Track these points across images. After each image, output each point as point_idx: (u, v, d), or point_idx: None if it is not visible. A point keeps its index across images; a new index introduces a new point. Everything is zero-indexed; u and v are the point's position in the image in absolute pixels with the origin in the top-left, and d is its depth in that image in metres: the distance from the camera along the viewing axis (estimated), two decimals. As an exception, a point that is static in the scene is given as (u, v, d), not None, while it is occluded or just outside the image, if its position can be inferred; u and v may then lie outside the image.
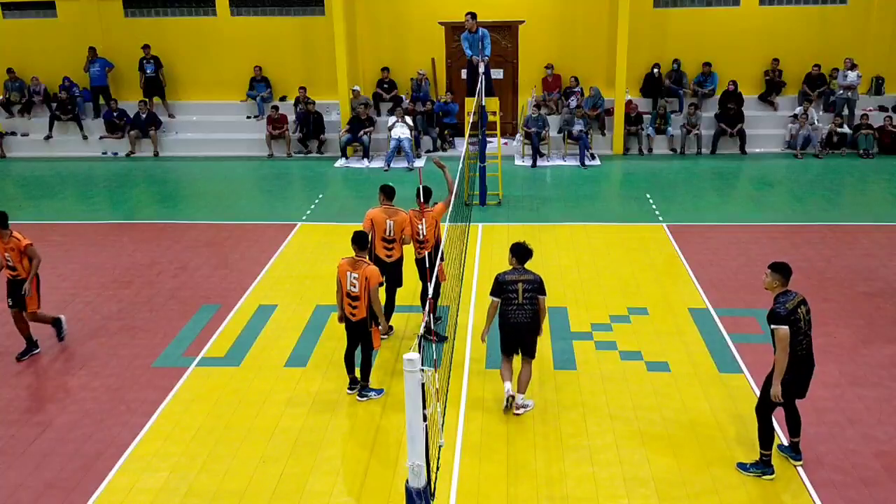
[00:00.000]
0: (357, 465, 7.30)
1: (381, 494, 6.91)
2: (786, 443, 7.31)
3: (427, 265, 7.50)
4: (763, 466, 7.02)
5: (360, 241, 8.15)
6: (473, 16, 14.32)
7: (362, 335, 8.24)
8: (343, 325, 8.38)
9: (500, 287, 7.72)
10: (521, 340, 7.88)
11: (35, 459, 7.49)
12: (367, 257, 8.31)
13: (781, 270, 6.57)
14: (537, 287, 7.72)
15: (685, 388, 8.45)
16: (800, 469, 7.11)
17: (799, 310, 6.39)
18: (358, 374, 8.45)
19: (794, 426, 7.07)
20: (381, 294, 8.61)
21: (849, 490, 6.85)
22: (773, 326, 6.58)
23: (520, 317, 7.71)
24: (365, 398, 8.36)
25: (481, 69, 14.10)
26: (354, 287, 8.01)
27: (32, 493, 7.04)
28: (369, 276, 7.95)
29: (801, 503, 6.73)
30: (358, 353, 8.44)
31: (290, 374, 8.91)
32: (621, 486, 6.95)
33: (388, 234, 9.30)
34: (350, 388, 8.49)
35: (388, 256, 9.36)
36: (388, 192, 9.49)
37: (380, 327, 8.22)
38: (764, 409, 6.93)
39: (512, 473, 7.15)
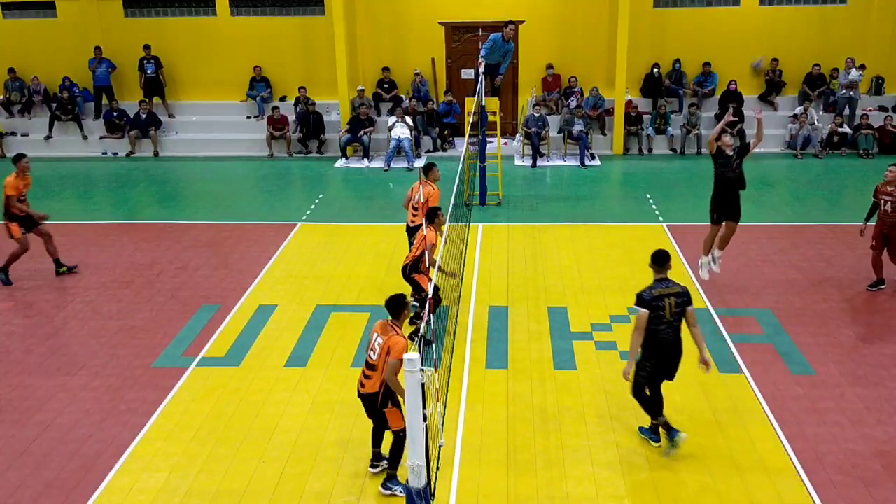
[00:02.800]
0: (357, 465, 7.29)
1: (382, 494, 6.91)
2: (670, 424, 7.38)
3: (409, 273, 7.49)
4: (650, 433, 7.52)
5: (394, 307, 6.77)
6: (515, 25, 14.41)
7: (374, 412, 6.84)
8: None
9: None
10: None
11: (35, 459, 7.49)
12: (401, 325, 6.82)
13: (654, 259, 7.20)
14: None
15: (685, 388, 8.44)
16: (800, 469, 7.11)
17: (666, 300, 6.76)
18: (385, 451, 7.05)
19: (656, 408, 7.39)
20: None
21: (849, 490, 6.85)
22: (631, 308, 7.60)
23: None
24: (388, 492, 6.86)
25: (481, 69, 14.10)
26: (374, 353, 6.70)
27: (32, 493, 7.04)
28: (392, 347, 6.45)
29: (801, 503, 6.74)
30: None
31: (290, 374, 8.91)
32: (621, 486, 6.96)
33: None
34: (371, 465, 7.17)
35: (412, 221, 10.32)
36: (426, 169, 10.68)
37: (400, 409, 6.75)
38: (635, 390, 7.38)
39: (512, 473, 7.15)
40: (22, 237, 11.36)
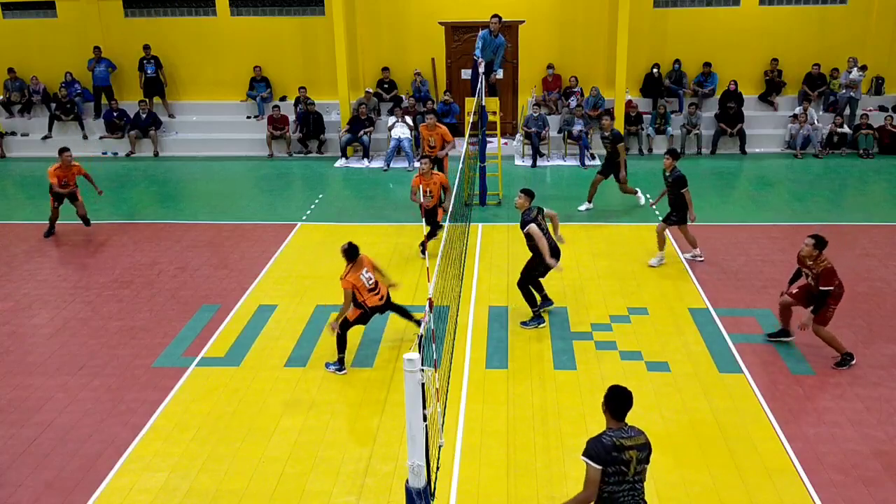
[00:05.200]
0: (357, 465, 7.30)
1: (381, 494, 6.91)
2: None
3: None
4: (536, 321, 9.85)
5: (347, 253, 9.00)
6: (500, 19, 14.32)
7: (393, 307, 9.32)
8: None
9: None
10: None
11: (35, 459, 7.49)
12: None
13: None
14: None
15: (685, 388, 8.45)
16: (800, 469, 7.11)
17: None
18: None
19: (532, 300, 9.84)
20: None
21: (849, 490, 6.85)
22: (526, 228, 9.66)
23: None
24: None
25: (481, 69, 14.09)
26: (371, 279, 8.91)
27: (32, 493, 7.04)
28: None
29: (800, 503, 6.73)
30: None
31: (290, 374, 8.91)
32: (621, 486, 6.95)
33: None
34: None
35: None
36: None
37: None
38: (523, 284, 9.87)
39: (512, 473, 7.15)
40: (55, 208, 13.44)
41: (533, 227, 9.61)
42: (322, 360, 9.18)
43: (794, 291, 9.14)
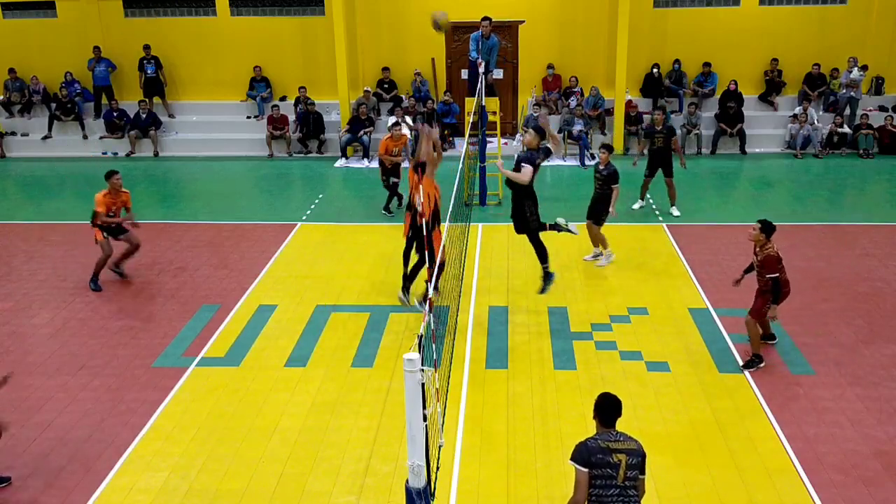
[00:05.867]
0: (357, 465, 7.30)
1: (381, 494, 6.91)
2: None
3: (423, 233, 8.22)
4: (546, 280, 10.10)
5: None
6: (490, 21, 14.31)
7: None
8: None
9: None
10: None
11: (35, 459, 7.49)
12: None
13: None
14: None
15: (685, 388, 8.45)
16: (800, 469, 7.12)
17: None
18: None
19: (543, 255, 10.00)
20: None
21: (849, 490, 6.85)
22: (512, 168, 9.57)
23: None
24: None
25: (481, 69, 14.10)
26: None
27: (32, 492, 7.04)
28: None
29: (801, 503, 6.74)
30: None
31: (290, 374, 8.92)
32: (621, 486, 6.95)
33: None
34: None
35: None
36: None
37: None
38: (534, 235, 9.92)
39: (512, 473, 7.15)
40: (104, 241, 11.17)
41: (526, 166, 9.47)
42: (322, 360, 9.19)
43: (757, 297, 8.79)
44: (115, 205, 11.14)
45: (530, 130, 9.75)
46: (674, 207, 14.01)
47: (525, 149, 9.82)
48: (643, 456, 5.21)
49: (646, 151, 14.23)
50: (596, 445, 5.12)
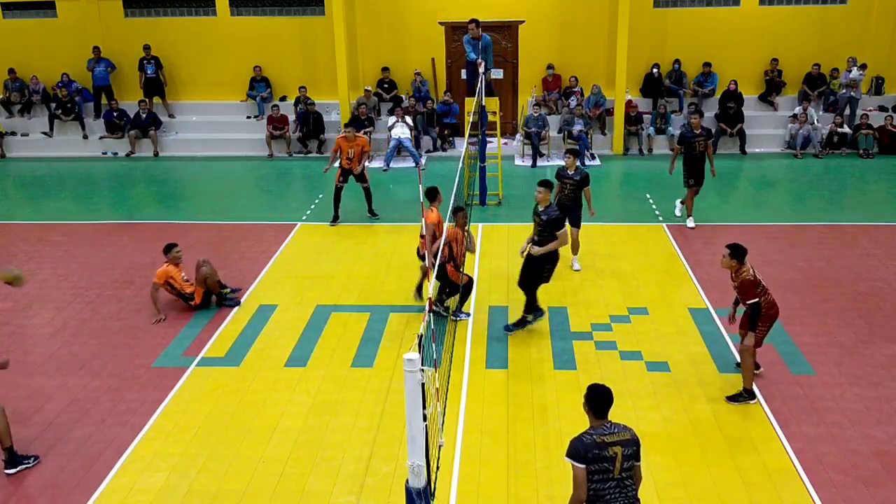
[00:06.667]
0: (357, 465, 7.30)
1: (381, 494, 6.92)
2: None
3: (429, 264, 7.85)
4: (520, 325, 9.68)
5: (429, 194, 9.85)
6: (477, 23, 14.28)
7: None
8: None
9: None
10: None
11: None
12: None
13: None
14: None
15: (685, 388, 8.45)
16: (800, 469, 7.12)
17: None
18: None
19: (532, 307, 9.64)
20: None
21: (849, 490, 6.85)
22: (558, 228, 9.25)
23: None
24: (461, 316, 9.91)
25: (482, 69, 14.10)
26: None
27: (32, 492, 7.04)
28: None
29: (801, 503, 6.74)
30: None
31: (291, 374, 8.92)
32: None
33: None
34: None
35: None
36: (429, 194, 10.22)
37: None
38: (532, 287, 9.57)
39: (512, 473, 7.16)
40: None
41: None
42: (322, 361, 9.19)
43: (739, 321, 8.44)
44: (181, 282, 10.43)
45: (540, 189, 9.36)
46: (690, 218, 13.31)
47: (541, 207, 9.40)
48: (637, 444, 5.21)
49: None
50: (591, 441, 5.11)
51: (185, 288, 10.46)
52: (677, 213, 13.83)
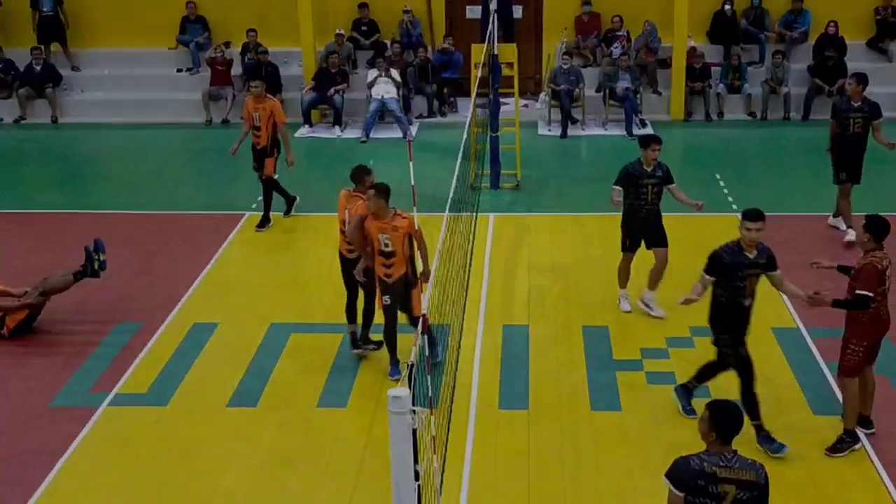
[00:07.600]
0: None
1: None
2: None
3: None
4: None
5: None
6: None
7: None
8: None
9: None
10: None
11: None
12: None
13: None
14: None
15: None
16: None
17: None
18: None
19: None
20: None
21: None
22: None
23: None
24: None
25: (493, 6, 14.12)
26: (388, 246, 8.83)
27: None
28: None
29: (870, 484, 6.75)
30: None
31: (236, 417, 8.92)
32: None
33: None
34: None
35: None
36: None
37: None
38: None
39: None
40: None
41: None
42: (278, 399, 9.19)
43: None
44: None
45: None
46: (850, 230, 12.43)
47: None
48: (762, 490, 5.24)
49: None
50: (699, 468, 5.22)
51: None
52: (841, 230, 12.82)
